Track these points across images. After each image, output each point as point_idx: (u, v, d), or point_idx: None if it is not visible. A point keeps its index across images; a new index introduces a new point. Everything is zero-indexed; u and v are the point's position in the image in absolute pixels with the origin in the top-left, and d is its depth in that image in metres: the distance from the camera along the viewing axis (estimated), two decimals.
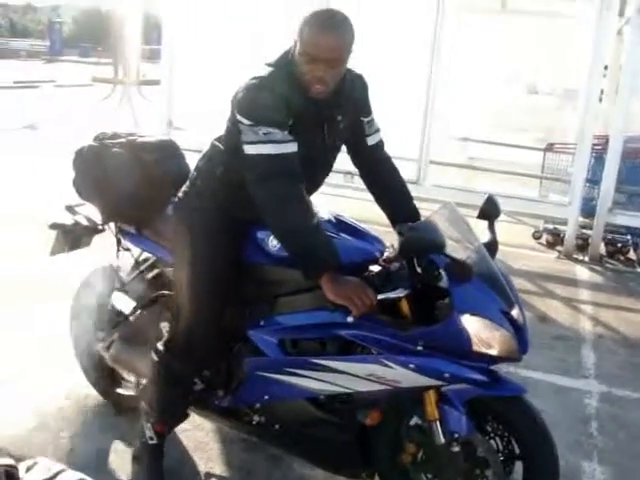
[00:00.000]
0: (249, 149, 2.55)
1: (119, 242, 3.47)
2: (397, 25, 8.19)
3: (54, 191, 4.08)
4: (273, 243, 2.77)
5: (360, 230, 2.87)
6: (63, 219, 3.49)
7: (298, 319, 2.74)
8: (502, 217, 2.99)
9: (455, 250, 2.54)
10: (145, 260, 3.50)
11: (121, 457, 3.31)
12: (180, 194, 2.99)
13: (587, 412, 4.15)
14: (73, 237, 3.49)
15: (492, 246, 2.83)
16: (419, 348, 2.49)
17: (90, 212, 3.47)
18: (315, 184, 2.91)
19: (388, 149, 3.07)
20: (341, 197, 7.45)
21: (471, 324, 2.45)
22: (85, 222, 3.47)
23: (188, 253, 2.85)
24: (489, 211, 2.90)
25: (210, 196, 2.86)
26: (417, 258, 2.51)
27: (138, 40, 21.77)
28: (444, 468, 2.65)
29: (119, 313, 3.49)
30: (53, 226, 3.47)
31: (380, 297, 2.47)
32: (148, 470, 3.08)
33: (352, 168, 3.12)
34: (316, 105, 2.64)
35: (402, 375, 2.52)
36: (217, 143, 2.86)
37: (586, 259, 7.55)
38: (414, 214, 2.95)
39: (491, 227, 2.94)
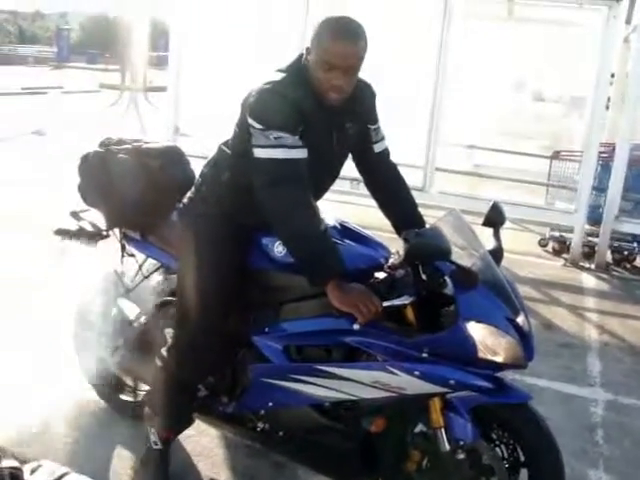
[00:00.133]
0: (259, 153, 2.55)
1: (123, 248, 3.47)
2: (404, 32, 8.20)
3: (60, 197, 4.09)
4: (278, 249, 2.77)
5: (365, 236, 2.87)
6: (68, 225, 3.49)
7: (303, 326, 2.74)
8: (508, 224, 2.99)
9: (460, 257, 2.53)
10: (149, 266, 3.50)
11: (125, 462, 3.31)
12: (185, 200, 2.99)
13: (593, 420, 4.13)
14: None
15: (497, 253, 2.82)
16: (424, 355, 2.49)
17: (95, 218, 3.47)
18: (322, 190, 2.92)
19: (394, 156, 3.07)
20: (347, 204, 7.47)
21: (477, 331, 2.45)
22: (90, 228, 3.48)
23: (193, 259, 2.85)
24: (494, 218, 2.90)
25: (215, 202, 2.86)
26: (422, 265, 2.50)
27: (145, 47, 21.86)
28: (449, 476, 2.63)
29: (123, 319, 3.49)
30: (58, 232, 3.48)
31: (385, 304, 2.46)
32: (153, 476, 3.08)
33: (358, 175, 3.12)
34: (327, 112, 2.65)
35: (407, 382, 2.51)
36: (224, 147, 2.87)
37: (592, 267, 7.54)
38: (419, 221, 2.95)
39: (496, 234, 2.93)
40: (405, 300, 2.49)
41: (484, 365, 2.47)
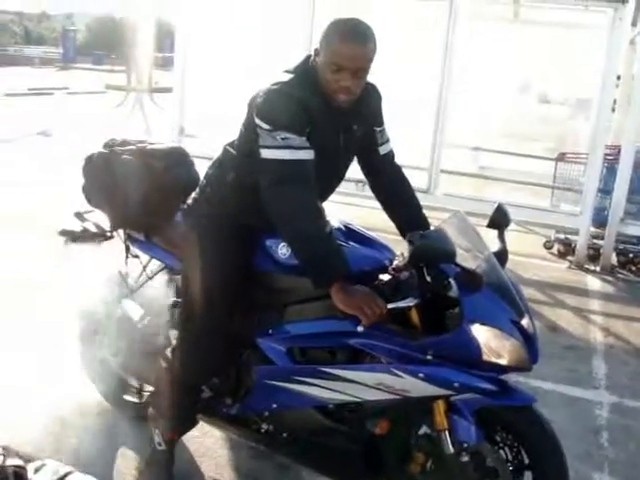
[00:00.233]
0: (266, 153, 2.55)
1: (128, 249, 3.48)
2: (409, 34, 8.20)
3: (64, 197, 4.10)
4: (282, 251, 2.77)
5: (369, 238, 2.87)
6: (72, 226, 3.50)
7: (307, 327, 2.74)
8: (513, 227, 2.99)
9: (465, 259, 2.53)
10: (154, 267, 3.50)
11: (129, 462, 3.31)
12: (189, 201, 3.00)
13: (598, 423, 4.12)
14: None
15: (502, 255, 2.82)
16: (429, 357, 2.49)
17: (99, 219, 3.48)
18: (327, 192, 2.92)
19: (399, 158, 3.07)
20: (352, 205, 7.47)
21: (481, 334, 2.44)
22: (94, 229, 3.48)
23: (197, 260, 2.85)
24: (499, 220, 2.89)
25: (220, 203, 2.86)
26: (427, 267, 2.50)
27: (151, 48, 21.89)
28: (453, 478, 2.62)
29: (127, 320, 3.49)
30: (62, 233, 3.49)
31: (390, 306, 2.46)
32: (157, 476, 3.09)
33: (364, 177, 3.12)
34: (334, 113, 2.65)
35: (411, 384, 2.51)
36: (229, 148, 2.87)
37: (597, 269, 7.52)
38: (423, 223, 2.95)
39: (501, 236, 2.93)
40: (409, 302, 2.48)
41: (488, 368, 2.46)
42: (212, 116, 8.21)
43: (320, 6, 7.97)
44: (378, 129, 2.94)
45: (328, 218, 2.64)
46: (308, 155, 2.55)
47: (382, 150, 2.98)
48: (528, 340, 2.50)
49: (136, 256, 3.50)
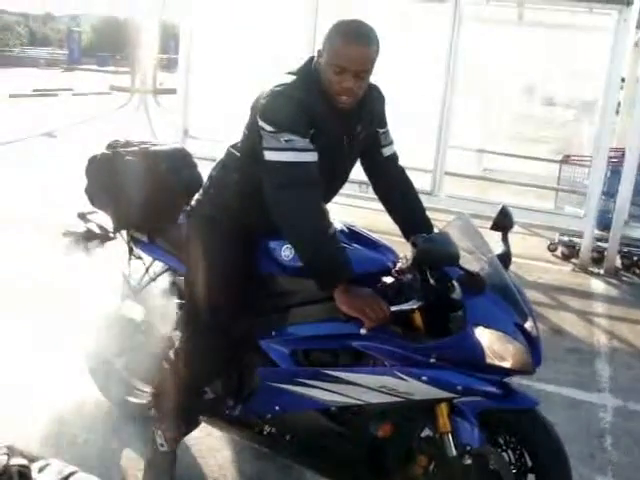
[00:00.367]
0: (270, 155, 2.55)
1: (131, 250, 3.48)
2: (413, 36, 8.20)
3: (68, 198, 4.10)
4: (286, 253, 2.77)
5: (373, 240, 2.86)
6: (75, 226, 3.50)
7: (310, 330, 2.74)
8: (517, 229, 2.99)
9: (468, 262, 2.53)
10: (157, 268, 3.50)
11: (132, 463, 3.32)
12: (193, 202, 3.00)
13: (601, 426, 4.11)
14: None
15: (506, 258, 2.81)
16: (432, 360, 2.48)
17: (102, 220, 3.48)
18: (331, 193, 2.92)
19: (403, 160, 3.07)
20: (356, 207, 7.47)
21: (484, 337, 2.44)
22: (97, 230, 3.49)
23: (200, 261, 2.85)
24: (502, 222, 2.89)
25: (223, 204, 2.86)
26: (430, 270, 2.50)
27: (155, 49, 21.95)
28: None
29: (130, 321, 3.50)
30: (66, 234, 3.49)
31: (393, 309, 2.45)
32: (160, 477, 3.09)
33: (367, 178, 3.12)
34: (338, 115, 2.65)
35: (414, 387, 2.50)
36: (233, 150, 2.87)
37: (601, 272, 7.50)
38: (427, 225, 2.94)
39: (505, 238, 2.92)
40: (413, 305, 2.48)
41: (492, 370, 2.46)
42: (216, 117, 8.21)
43: (323, 8, 7.97)
44: (381, 131, 2.94)
45: (332, 220, 2.64)
46: (312, 157, 2.54)
47: (385, 152, 2.98)
48: (531, 343, 2.49)
49: (139, 257, 3.50)
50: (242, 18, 8.59)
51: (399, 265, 2.69)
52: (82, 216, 3.58)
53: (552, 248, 8.17)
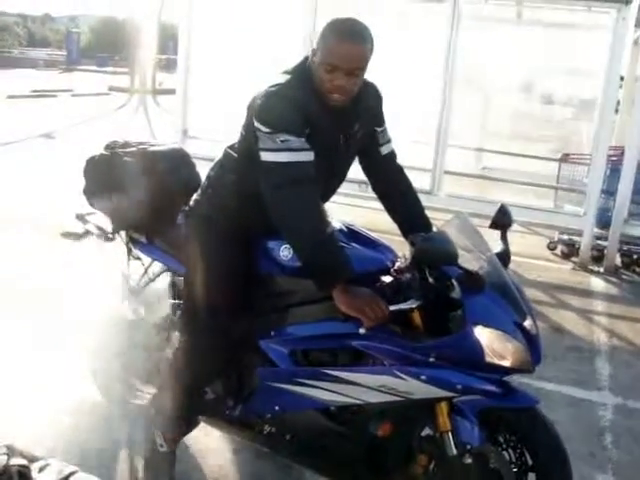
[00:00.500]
0: (266, 156, 2.55)
1: (129, 251, 3.48)
2: (412, 35, 8.20)
3: (67, 199, 4.11)
4: (284, 253, 2.76)
5: (371, 240, 2.86)
6: (74, 228, 3.50)
7: (309, 329, 2.73)
8: (517, 228, 2.99)
9: (467, 261, 2.53)
10: (155, 269, 3.50)
11: (131, 463, 3.31)
12: (191, 202, 2.99)
13: (601, 424, 4.11)
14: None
15: (504, 256, 2.81)
16: (431, 359, 2.48)
17: (101, 221, 3.48)
18: (329, 192, 2.92)
19: (402, 159, 3.07)
20: (355, 207, 7.46)
21: (484, 336, 2.44)
22: (96, 231, 3.49)
23: (198, 262, 2.85)
24: (501, 221, 2.89)
25: (221, 205, 2.86)
26: (429, 269, 2.50)
27: (154, 50, 21.94)
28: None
29: (130, 322, 3.50)
30: (64, 234, 3.50)
31: (392, 308, 2.45)
32: (159, 477, 3.09)
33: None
34: (333, 114, 2.64)
35: (414, 386, 2.50)
36: (230, 151, 2.86)
37: (601, 270, 7.50)
38: (426, 224, 2.94)
39: (504, 237, 2.92)
40: (412, 304, 2.48)
41: (491, 369, 2.46)
42: (215, 118, 8.21)
43: (322, 8, 7.96)
44: (379, 129, 2.94)
45: (330, 219, 2.64)
46: (308, 157, 2.54)
47: (383, 150, 2.98)
48: (531, 341, 2.49)
49: (138, 258, 3.50)
50: (241, 18, 8.59)
51: (398, 264, 2.69)
52: (80, 217, 3.58)
53: (552, 247, 8.17)
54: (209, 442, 3.51)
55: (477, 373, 2.46)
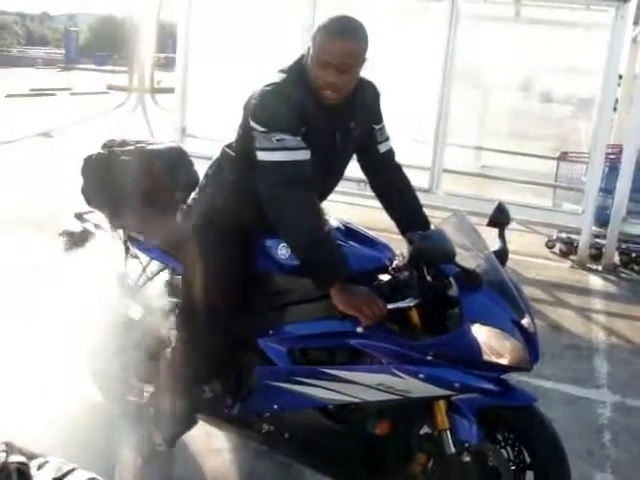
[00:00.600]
0: (262, 156, 2.55)
1: (127, 250, 3.48)
2: (411, 33, 8.19)
3: (65, 198, 4.10)
4: (282, 251, 2.76)
5: (369, 238, 2.86)
6: (72, 226, 3.50)
7: (307, 328, 2.73)
8: (515, 226, 3.00)
9: (465, 259, 2.53)
10: (153, 268, 3.50)
11: (129, 462, 3.31)
12: (189, 201, 2.99)
13: (600, 422, 4.11)
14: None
15: (502, 254, 2.81)
16: (429, 358, 2.48)
17: (99, 219, 3.48)
18: (326, 190, 2.92)
19: (401, 157, 3.06)
20: (354, 205, 7.46)
21: (481, 334, 2.44)
22: (94, 229, 3.49)
23: (196, 260, 2.85)
24: (499, 219, 2.89)
25: (219, 203, 2.86)
26: (427, 267, 2.50)
27: (152, 48, 21.91)
28: (455, 478, 2.62)
29: (128, 320, 3.50)
30: (62, 233, 3.49)
31: (390, 307, 2.46)
32: (158, 476, 3.09)
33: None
34: (329, 112, 2.64)
35: (412, 385, 2.50)
36: (228, 150, 2.86)
37: (600, 268, 7.51)
38: (424, 222, 2.94)
39: (501, 235, 2.92)
40: (410, 302, 2.48)
41: (489, 367, 2.46)
42: (214, 116, 8.20)
43: (321, 6, 7.96)
44: (377, 127, 2.93)
45: (328, 217, 2.64)
46: (304, 155, 2.54)
47: (381, 148, 2.97)
48: (529, 339, 2.49)
49: (136, 257, 3.50)
50: (240, 16, 8.58)
51: (396, 262, 2.69)
52: (79, 216, 3.58)
53: (550, 245, 8.17)
54: (209, 441, 3.51)
55: (475, 371, 2.47)
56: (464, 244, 2.65)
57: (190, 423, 3.14)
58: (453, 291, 2.54)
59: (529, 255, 7.56)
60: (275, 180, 2.52)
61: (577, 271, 7.45)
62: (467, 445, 2.54)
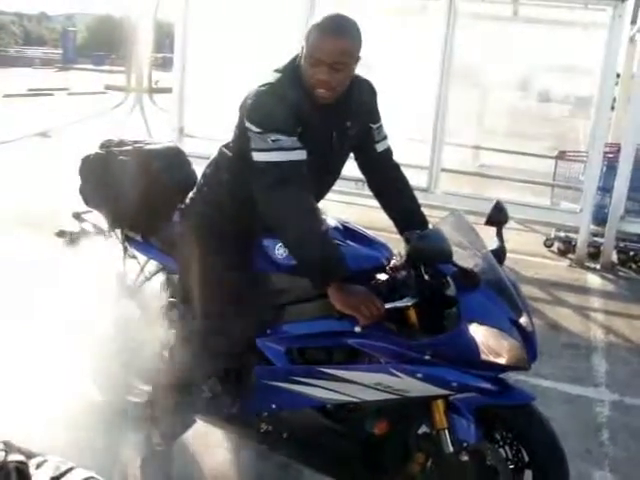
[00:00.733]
0: (258, 156, 2.54)
1: (125, 250, 3.48)
2: (409, 32, 8.19)
3: (62, 198, 4.10)
4: (280, 251, 2.76)
5: (367, 237, 2.86)
6: (70, 226, 3.50)
7: (305, 328, 2.73)
8: (514, 225, 3.00)
9: (462, 258, 2.53)
10: (151, 267, 3.50)
11: (129, 461, 3.31)
12: (187, 201, 2.99)
13: (598, 421, 4.12)
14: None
15: (500, 253, 2.81)
16: (427, 357, 2.48)
17: (97, 219, 3.48)
18: (323, 190, 2.91)
19: (399, 156, 3.06)
20: (352, 204, 7.46)
21: (479, 333, 2.44)
22: (91, 229, 3.49)
23: (194, 260, 2.84)
24: (497, 217, 2.89)
25: (216, 203, 2.85)
26: (425, 266, 2.50)
27: (150, 48, 21.89)
28: (453, 477, 2.62)
29: (126, 320, 3.49)
30: (60, 233, 3.49)
31: (388, 306, 2.45)
32: (156, 475, 3.09)
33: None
34: (325, 111, 2.64)
35: (410, 384, 2.50)
36: (225, 150, 2.86)
37: (598, 267, 7.51)
38: (422, 222, 2.93)
39: (499, 234, 2.92)
40: (407, 302, 2.48)
41: (487, 367, 2.46)
42: (212, 116, 8.20)
43: (319, 5, 7.95)
44: (374, 126, 2.92)
45: (325, 217, 2.64)
46: (300, 155, 2.53)
47: (379, 147, 2.96)
48: (526, 338, 2.49)
49: (133, 256, 3.49)
50: (237, 16, 8.58)
51: (393, 262, 2.69)
52: (76, 216, 3.58)
53: (548, 244, 8.18)
54: (209, 441, 3.51)
55: (473, 371, 2.47)
56: (462, 243, 2.65)
57: (189, 423, 3.14)
58: (451, 290, 2.54)
59: (527, 254, 7.56)
60: (271, 181, 2.51)
61: (575, 270, 7.45)
62: (465, 444, 2.54)
